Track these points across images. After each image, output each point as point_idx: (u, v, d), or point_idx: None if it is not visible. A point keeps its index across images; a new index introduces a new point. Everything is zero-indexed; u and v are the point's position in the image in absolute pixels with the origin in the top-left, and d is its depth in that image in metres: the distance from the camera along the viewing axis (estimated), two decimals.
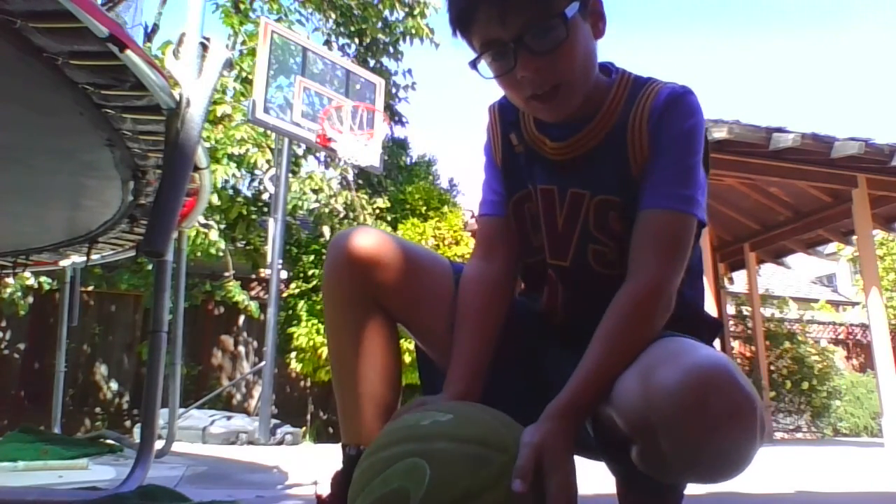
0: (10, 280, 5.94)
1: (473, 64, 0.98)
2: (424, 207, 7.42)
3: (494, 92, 1.10)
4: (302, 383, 7.64)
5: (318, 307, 6.63)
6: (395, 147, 8.87)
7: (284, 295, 6.76)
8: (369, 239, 1.08)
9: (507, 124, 1.12)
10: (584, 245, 1.04)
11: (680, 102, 0.99)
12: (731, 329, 9.06)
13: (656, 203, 0.97)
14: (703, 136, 1.01)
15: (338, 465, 1.11)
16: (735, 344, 9.19)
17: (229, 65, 2.30)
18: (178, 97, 1.95)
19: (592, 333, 0.94)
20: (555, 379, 0.95)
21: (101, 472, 2.71)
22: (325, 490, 1.11)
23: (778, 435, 8.93)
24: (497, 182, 1.14)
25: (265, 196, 7.25)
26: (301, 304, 6.73)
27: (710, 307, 5.89)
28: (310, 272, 6.89)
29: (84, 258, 3.58)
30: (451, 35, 1.00)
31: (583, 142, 1.03)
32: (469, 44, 0.99)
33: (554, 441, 0.82)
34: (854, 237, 7.10)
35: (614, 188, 1.01)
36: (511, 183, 1.11)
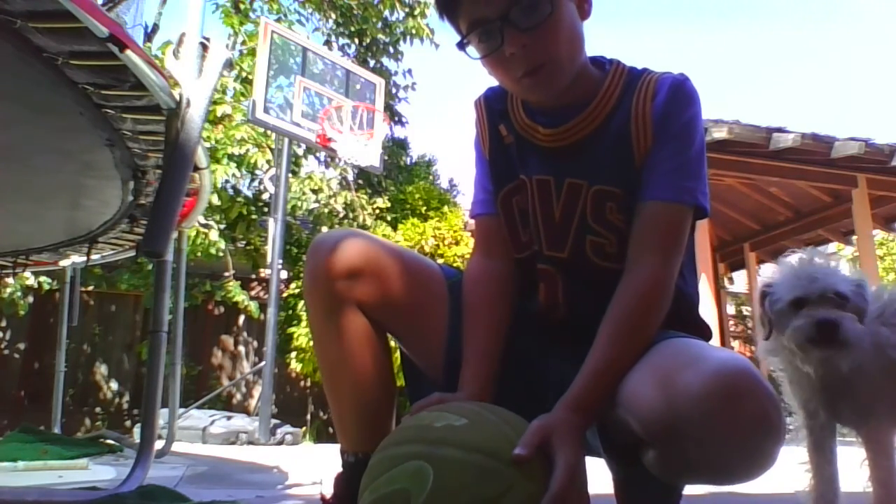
0: (10, 280, 5.94)
1: (461, 46, 0.98)
2: (424, 207, 7.42)
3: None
4: (302, 383, 7.64)
5: None
6: (395, 147, 8.87)
7: (284, 295, 6.76)
8: (350, 248, 1.03)
9: (495, 115, 1.11)
10: (582, 236, 1.03)
11: (681, 91, 1.01)
12: (731, 329, 9.05)
13: (659, 195, 0.98)
14: (701, 123, 1.03)
15: (339, 465, 1.11)
16: (735, 344, 9.18)
17: (229, 65, 2.30)
18: (178, 97, 1.95)
19: (594, 329, 0.94)
20: (557, 383, 0.93)
21: (101, 472, 2.71)
22: (328, 490, 1.11)
23: None
24: (487, 178, 1.13)
25: (265, 196, 7.25)
26: (301, 304, 6.72)
27: (710, 307, 5.89)
28: None
29: (84, 258, 3.59)
30: (439, 18, 1.01)
31: (577, 129, 1.03)
32: (455, 27, 0.99)
33: (563, 425, 0.83)
34: (854, 237, 7.09)
35: (613, 178, 1.01)
36: (500, 175, 1.10)
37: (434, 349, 1.07)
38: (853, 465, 1.45)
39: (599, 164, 1.01)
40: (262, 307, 6.42)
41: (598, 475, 1.08)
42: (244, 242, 7.27)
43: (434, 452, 0.78)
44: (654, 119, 0.99)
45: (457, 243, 6.77)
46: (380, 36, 8.37)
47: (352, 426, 1.09)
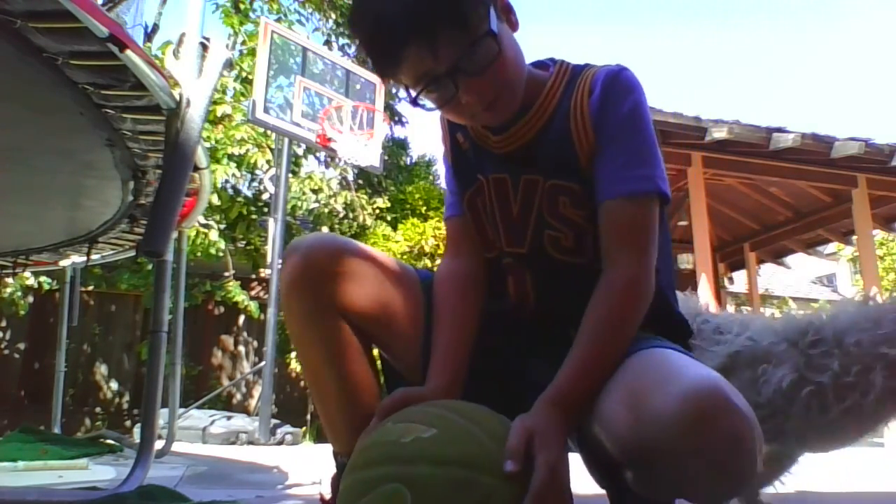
0: (10, 280, 5.94)
1: (414, 102, 0.96)
2: (424, 207, 7.42)
3: None
4: (302, 383, 7.63)
5: None
6: (395, 147, 8.88)
7: None
8: (326, 252, 1.03)
9: (453, 124, 1.12)
10: (540, 231, 1.03)
11: (616, 82, 0.98)
12: None
13: (614, 192, 0.97)
14: (646, 110, 1.00)
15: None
16: None
17: (229, 65, 2.31)
18: (178, 97, 1.95)
19: (566, 325, 0.94)
20: (534, 382, 0.93)
21: (101, 472, 2.71)
22: (328, 491, 1.11)
23: None
24: (453, 183, 1.14)
25: (265, 196, 7.25)
26: None
27: (710, 307, 5.87)
28: None
29: (84, 258, 3.59)
30: (378, 77, 1.00)
31: (522, 132, 1.03)
32: (396, 82, 0.97)
33: (545, 424, 0.82)
34: (854, 237, 7.10)
35: (563, 175, 1.01)
36: (463, 180, 1.11)
37: (411, 350, 1.08)
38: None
39: (548, 162, 1.02)
40: (262, 307, 6.42)
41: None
42: (244, 242, 7.27)
43: (407, 472, 0.76)
44: (592, 115, 0.98)
45: None
46: None
47: (342, 427, 1.08)
